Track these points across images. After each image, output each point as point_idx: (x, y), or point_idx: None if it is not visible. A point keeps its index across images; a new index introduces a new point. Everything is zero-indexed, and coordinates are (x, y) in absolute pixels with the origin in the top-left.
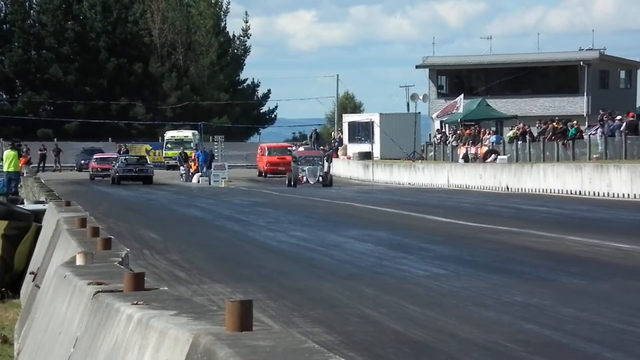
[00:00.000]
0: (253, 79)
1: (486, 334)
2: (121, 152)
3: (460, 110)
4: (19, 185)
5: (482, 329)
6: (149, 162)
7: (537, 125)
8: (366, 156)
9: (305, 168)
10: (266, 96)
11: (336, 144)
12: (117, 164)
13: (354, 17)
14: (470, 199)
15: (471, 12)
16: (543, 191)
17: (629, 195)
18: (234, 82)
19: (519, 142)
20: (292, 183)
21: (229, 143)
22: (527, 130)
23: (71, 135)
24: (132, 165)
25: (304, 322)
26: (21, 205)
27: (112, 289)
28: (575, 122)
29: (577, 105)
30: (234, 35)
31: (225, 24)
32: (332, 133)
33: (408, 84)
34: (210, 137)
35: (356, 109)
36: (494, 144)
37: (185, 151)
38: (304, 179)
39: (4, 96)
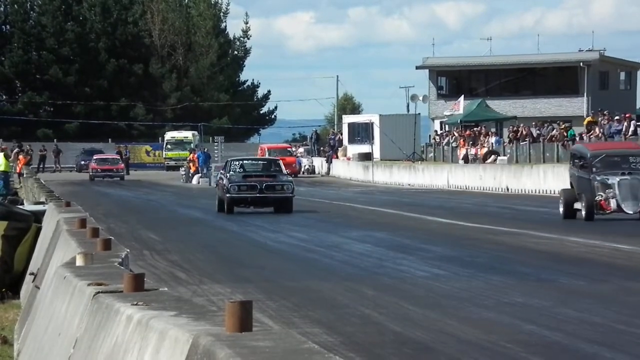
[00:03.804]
0: (253, 80)
1: (486, 334)
2: (122, 154)
3: (460, 111)
4: (15, 186)
5: (482, 330)
6: (284, 172)
7: (533, 124)
8: (366, 157)
9: (616, 181)
10: (266, 97)
11: (331, 141)
12: (228, 175)
13: (352, 19)
14: (470, 199)
15: (470, 13)
16: (543, 192)
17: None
18: (234, 83)
19: (520, 143)
20: (587, 212)
21: (229, 144)
22: (528, 132)
23: (71, 135)
24: (256, 179)
25: (303, 322)
26: (21, 206)
27: (112, 290)
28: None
29: (577, 106)
30: (234, 37)
31: (225, 25)
32: (331, 132)
33: (408, 85)
34: (210, 138)
35: (355, 109)
36: (494, 144)
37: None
38: (612, 203)
39: (4, 97)
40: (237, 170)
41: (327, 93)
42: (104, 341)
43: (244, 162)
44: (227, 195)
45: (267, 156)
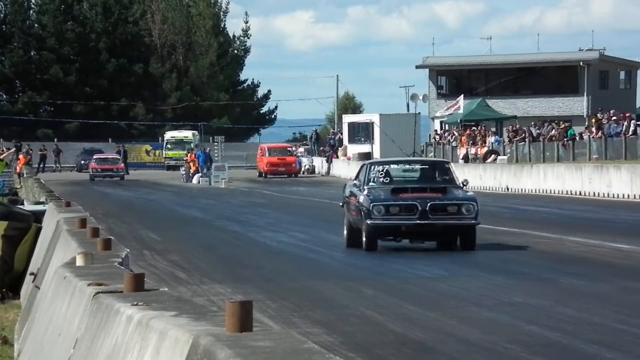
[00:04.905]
0: (253, 79)
1: (486, 334)
2: (120, 153)
3: (460, 110)
4: (15, 186)
5: (482, 330)
6: (458, 183)
7: (533, 124)
8: (366, 157)
9: None
10: (266, 96)
11: (331, 141)
12: (367, 188)
13: (351, 18)
14: None
15: (470, 12)
16: (543, 192)
17: (629, 195)
18: (234, 82)
19: (520, 143)
20: None
21: (229, 144)
22: (528, 131)
23: (71, 135)
24: (415, 195)
25: (304, 322)
26: (21, 206)
27: (112, 290)
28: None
29: (577, 105)
30: (233, 36)
31: (225, 24)
32: (331, 131)
33: (408, 84)
34: (211, 138)
35: (356, 109)
36: (494, 144)
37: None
38: None
39: (5, 96)
40: (381, 180)
41: (327, 92)
42: (104, 341)
43: (391, 167)
44: (369, 221)
45: (267, 156)
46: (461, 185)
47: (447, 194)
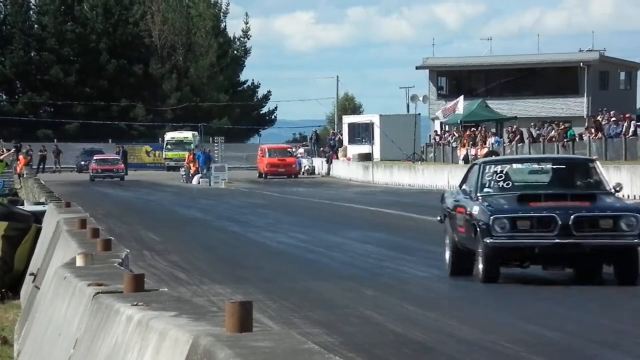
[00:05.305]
0: (253, 80)
1: (486, 334)
2: (120, 154)
3: (460, 111)
4: (15, 186)
5: (482, 330)
6: (608, 187)
7: (532, 125)
8: (366, 157)
9: None
10: (266, 97)
11: (331, 141)
12: (480, 196)
13: (351, 19)
14: None
15: (470, 13)
16: None
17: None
18: (234, 83)
19: (519, 144)
20: None
21: (229, 144)
22: (528, 133)
23: (71, 136)
24: (550, 203)
25: (303, 323)
26: (21, 207)
27: (112, 290)
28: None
29: (577, 106)
30: (233, 37)
31: (225, 25)
32: (331, 132)
33: (408, 85)
34: (211, 139)
35: (356, 110)
36: (494, 145)
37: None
38: None
39: (5, 97)
40: (500, 184)
41: (328, 93)
42: (104, 341)
43: (513, 167)
44: (488, 240)
45: (268, 157)
46: (613, 190)
47: (597, 202)
